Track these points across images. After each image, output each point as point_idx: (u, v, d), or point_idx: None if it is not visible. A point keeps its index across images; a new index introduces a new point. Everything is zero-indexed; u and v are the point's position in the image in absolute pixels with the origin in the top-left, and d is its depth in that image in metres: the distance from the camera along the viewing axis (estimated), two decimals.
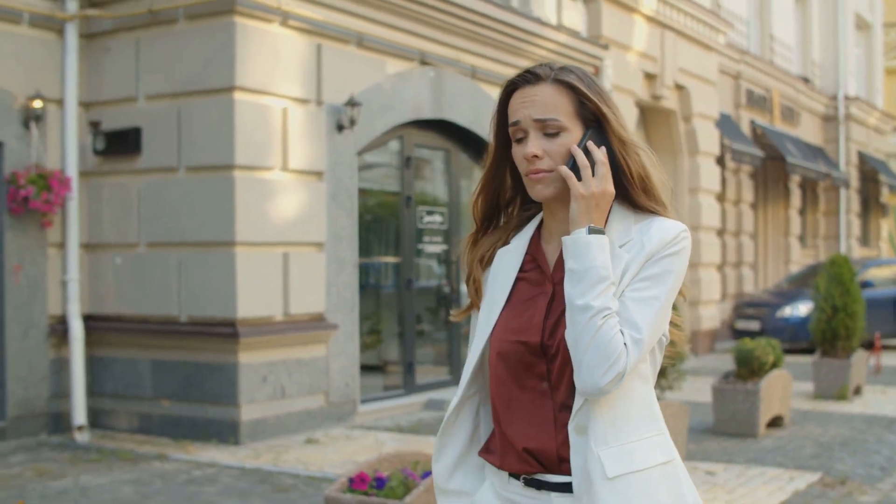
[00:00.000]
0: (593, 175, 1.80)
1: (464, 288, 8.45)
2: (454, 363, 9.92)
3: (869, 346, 13.05)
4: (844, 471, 6.73)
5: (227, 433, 7.38)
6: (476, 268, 1.97)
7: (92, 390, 7.88)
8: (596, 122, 1.85)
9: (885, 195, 24.84)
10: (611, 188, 1.81)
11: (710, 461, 6.97)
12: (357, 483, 4.09)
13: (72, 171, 7.74)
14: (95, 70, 7.94)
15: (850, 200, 22.47)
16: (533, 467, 1.85)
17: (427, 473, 4.15)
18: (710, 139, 15.11)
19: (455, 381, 9.81)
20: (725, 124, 16.18)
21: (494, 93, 10.01)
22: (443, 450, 1.99)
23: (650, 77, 13.54)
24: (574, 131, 1.83)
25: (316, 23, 7.94)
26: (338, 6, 8.13)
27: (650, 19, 13.38)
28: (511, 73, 8.20)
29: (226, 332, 7.30)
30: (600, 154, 1.81)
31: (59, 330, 7.76)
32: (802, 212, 21.09)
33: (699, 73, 14.80)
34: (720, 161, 15.93)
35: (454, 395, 1.96)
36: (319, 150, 8.02)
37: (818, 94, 21.39)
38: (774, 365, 8.28)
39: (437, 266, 9.94)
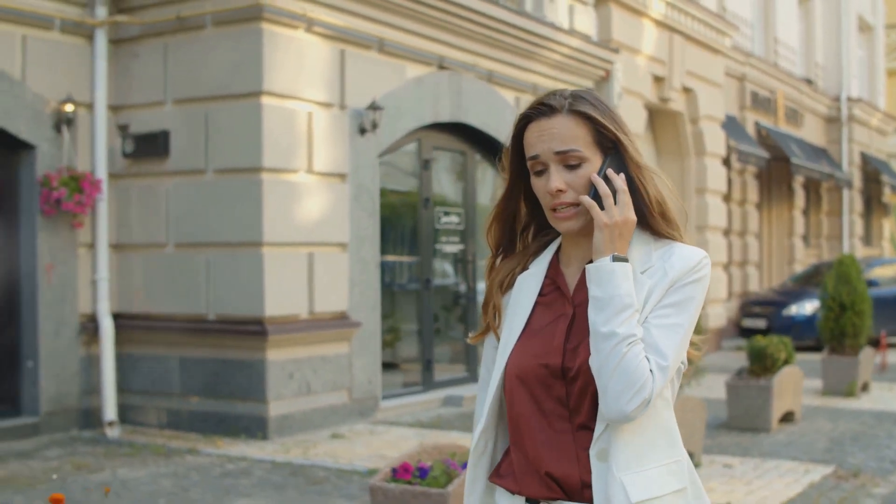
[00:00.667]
0: (615, 203, 1.81)
1: (480, 287, 8.67)
2: (470, 361, 10.12)
3: (875, 343, 13.25)
4: (857, 464, 6.93)
5: (255, 428, 7.57)
6: (496, 293, 1.98)
7: (121, 387, 8.08)
8: (613, 149, 1.86)
9: (888, 195, 25.05)
10: (633, 216, 1.82)
11: (726, 454, 7.17)
12: (401, 473, 4.28)
13: (101, 173, 7.94)
14: (124, 75, 8.14)
15: (852, 200, 22.68)
16: (555, 493, 1.84)
17: (466, 465, 4.34)
18: (716, 140, 15.31)
19: (472, 378, 10.01)
20: (731, 126, 16.39)
21: (510, 96, 10.24)
22: (475, 483, 1.97)
23: (658, 80, 13.74)
24: (594, 160, 1.84)
25: (339, 29, 8.14)
26: (360, 12, 8.32)
27: (659, 23, 13.58)
28: (525, 77, 8.49)
29: (254, 329, 7.50)
30: (620, 182, 1.83)
31: (90, 328, 7.96)
32: (806, 212, 21.28)
33: (706, 75, 15.01)
34: (726, 162, 16.13)
35: (477, 422, 1.95)
36: (343, 152, 8.22)
37: (821, 95, 21.60)
38: (786, 361, 8.48)
39: (454, 266, 10.14)
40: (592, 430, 1.81)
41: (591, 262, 1.85)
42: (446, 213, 9.87)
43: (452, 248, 10.01)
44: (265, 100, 7.54)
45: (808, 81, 20.98)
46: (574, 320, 1.87)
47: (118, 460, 6.90)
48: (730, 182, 16.70)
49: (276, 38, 7.61)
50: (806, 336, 14.66)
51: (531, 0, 10.92)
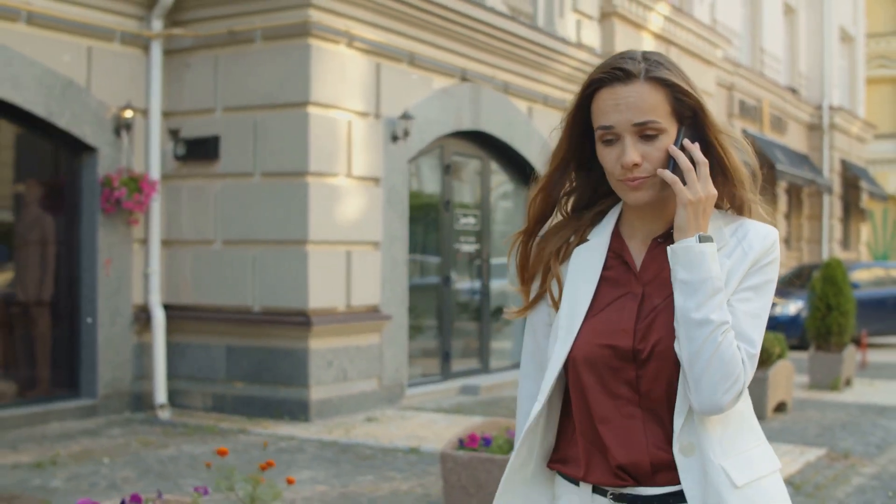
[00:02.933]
0: (697, 177, 1.70)
1: (494, 285, 9.35)
2: (483, 354, 10.84)
3: (856, 342, 14.09)
4: (846, 448, 7.70)
5: (297, 411, 8.25)
6: (554, 263, 1.85)
7: (169, 373, 8.72)
8: (690, 117, 1.75)
9: (865, 201, 26.00)
10: (714, 190, 1.71)
11: None
12: (468, 442, 4.98)
13: (155, 174, 8.58)
14: (177, 83, 8.77)
15: (832, 206, 23.59)
16: (625, 481, 1.76)
17: None
18: None
19: (485, 369, 10.73)
20: None
21: (523, 106, 10.96)
22: (527, 465, 1.87)
23: None
24: (671, 130, 1.73)
25: (376, 44, 8.82)
26: (394, 28, 9.01)
27: (657, 36, 14.35)
28: (538, 88, 9.32)
29: (298, 320, 8.16)
30: (699, 153, 1.72)
31: (142, 318, 8.60)
32: (788, 216, 22.16)
33: (699, 85, 15.74)
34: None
35: (536, 402, 1.83)
36: (377, 158, 8.91)
37: (804, 104, 22.48)
38: (780, 356, 9.24)
39: (470, 264, 10.84)
40: (663, 415, 1.74)
41: (660, 240, 1.79)
42: (464, 215, 10.57)
43: (469, 247, 10.72)
44: (311, 109, 8.21)
45: (793, 90, 21.85)
46: (643, 299, 1.78)
47: (178, 438, 7.56)
48: None
49: (321, 53, 8.28)
50: (790, 335, 15.47)
51: (543, 15, 11.64)
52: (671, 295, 1.74)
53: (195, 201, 8.75)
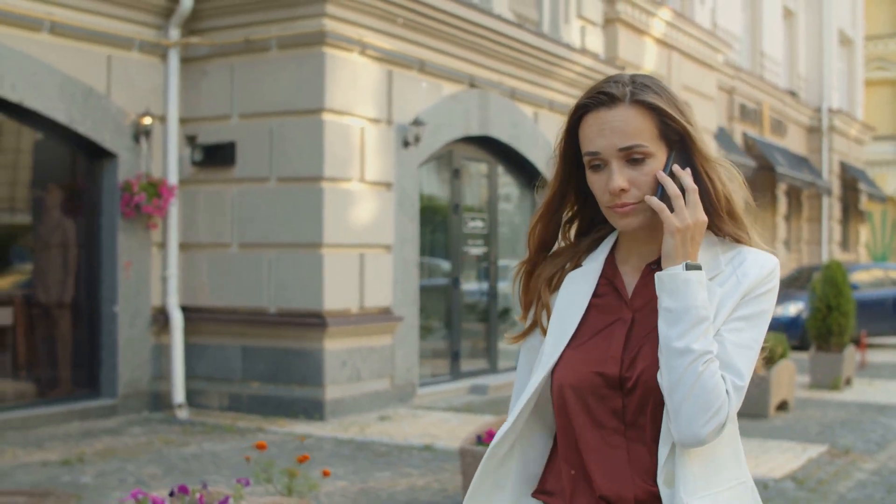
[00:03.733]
0: (685, 204, 1.66)
1: (501, 287, 9.59)
2: (491, 354, 11.06)
3: (855, 342, 14.31)
4: (847, 445, 7.92)
5: (312, 410, 8.46)
6: (544, 291, 1.84)
7: (187, 373, 8.93)
8: (678, 141, 1.71)
9: (864, 202, 26.24)
10: (704, 217, 1.67)
11: None
12: (487, 438, 5.20)
13: (173, 179, 8.79)
14: (193, 90, 8.99)
15: (831, 207, 23.83)
16: None
17: None
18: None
19: (493, 369, 10.95)
20: (721, 137, 17.43)
21: (529, 111, 11.19)
22: (484, 486, 1.82)
23: None
24: (659, 155, 1.69)
25: (387, 52, 9.04)
26: (405, 37, 9.23)
27: (659, 41, 14.58)
28: (543, 93, 9.61)
29: (313, 322, 8.38)
30: (689, 179, 1.68)
31: (160, 319, 8.82)
32: (788, 218, 22.39)
33: (700, 89, 16.03)
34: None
35: (505, 424, 1.80)
36: (389, 163, 9.13)
37: (804, 106, 22.72)
38: (782, 356, 9.47)
39: (478, 266, 11.07)
40: (648, 445, 1.70)
41: (653, 266, 1.75)
42: (472, 219, 10.80)
43: (477, 250, 10.94)
44: (326, 116, 8.43)
45: (792, 93, 22.09)
46: (633, 326, 1.74)
47: (198, 437, 7.77)
48: None
49: (335, 61, 8.50)
50: (791, 335, 15.68)
51: (548, 22, 11.87)
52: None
53: (212, 206, 8.97)
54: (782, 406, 9.55)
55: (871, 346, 16.39)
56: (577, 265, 1.84)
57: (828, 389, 11.18)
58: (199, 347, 8.98)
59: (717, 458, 1.70)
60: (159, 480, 6.17)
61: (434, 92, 9.74)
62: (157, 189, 8.47)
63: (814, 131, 23.48)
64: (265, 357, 8.72)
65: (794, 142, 22.38)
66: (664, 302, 1.65)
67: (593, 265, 1.81)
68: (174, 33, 8.80)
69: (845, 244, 25.49)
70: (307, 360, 8.50)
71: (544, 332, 1.82)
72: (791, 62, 22.69)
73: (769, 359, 9.29)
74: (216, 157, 8.88)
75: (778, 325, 16.07)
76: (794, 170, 20.39)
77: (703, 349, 1.61)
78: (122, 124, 8.54)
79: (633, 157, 1.68)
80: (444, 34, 9.67)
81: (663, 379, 1.64)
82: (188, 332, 8.91)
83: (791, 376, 9.69)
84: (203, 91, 8.98)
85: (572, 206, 1.85)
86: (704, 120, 16.13)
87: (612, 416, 1.72)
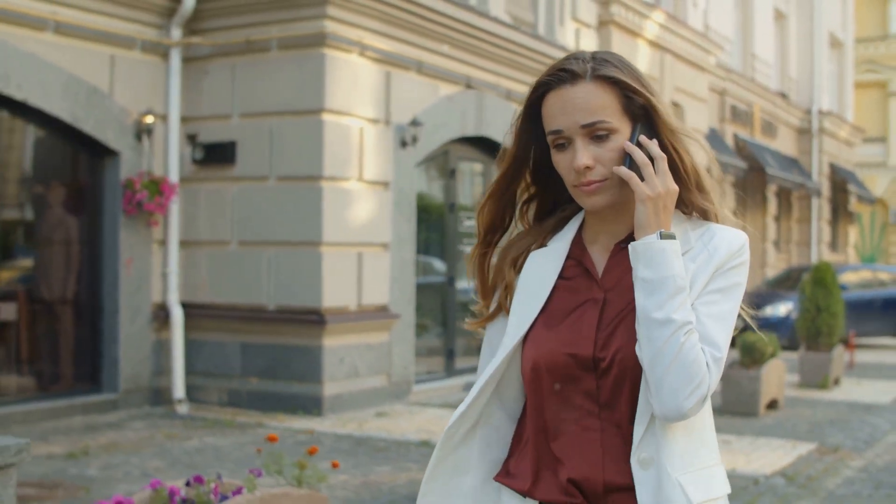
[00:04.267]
0: (655, 172, 1.63)
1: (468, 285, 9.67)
2: None
3: (844, 343, 14.49)
4: (836, 442, 8.09)
5: (310, 406, 8.59)
6: (509, 272, 1.78)
7: (186, 369, 9.04)
8: (643, 115, 1.67)
9: (853, 204, 26.47)
10: (674, 185, 1.63)
11: (723, 433, 8.29)
12: None
13: (174, 177, 8.91)
14: (194, 90, 9.10)
15: (821, 209, 24.05)
16: (574, 497, 1.68)
17: None
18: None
19: None
20: (713, 138, 17.61)
21: None
22: (455, 475, 1.78)
23: None
24: (623, 130, 1.66)
25: (386, 53, 9.17)
26: (403, 38, 9.36)
27: (652, 43, 14.74)
28: None
29: (312, 319, 8.51)
30: (657, 148, 1.64)
31: (161, 315, 8.93)
32: (778, 219, 22.59)
33: (692, 91, 16.20)
34: (707, 171, 17.32)
35: (462, 405, 1.77)
36: (386, 163, 9.26)
37: (794, 108, 22.92)
38: (772, 355, 9.63)
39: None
40: (623, 427, 1.66)
41: (623, 245, 1.72)
42: (468, 218, 10.93)
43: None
44: (325, 116, 8.56)
45: (783, 95, 22.29)
46: (605, 306, 1.70)
47: (199, 431, 7.89)
48: None
49: (335, 62, 8.62)
50: (780, 335, 15.86)
51: (543, 24, 12.01)
52: (633, 301, 1.65)
53: (212, 204, 9.08)
54: (772, 405, 9.71)
55: (859, 346, 16.59)
56: (542, 245, 1.79)
57: (817, 388, 11.36)
58: (199, 343, 9.10)
59: (701, 436, 1.68)
60: (164, 473, 6.29)
61: (431, 93, 9.87)
62: (158, 187, 8.58)
63: (804, 133, 23.69)
64: (264, 353, 8.84)
65: (785, 143, 22.59)
66: (640, 272, 1.61)
67: (559, 244, 1.77)
68: (176, 33, 8.91)
69: (834, 245, 25.72)
70: (306, 357, 8.62)
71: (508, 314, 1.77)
72: (782, 64, 22.89)
73: (758, 359, 9.46)
74: (217, 155, 8.99)
75: (768, 325, 16.28)
76: (784, 171, 20.59)
77: (684, 319, 1.58)
78: (124, 123, 8.65)
79: (597, 134, 1.64)
80: (442, 36, 9.81)
81: (642, 351, 1.60)
82: (188, 328, 9.03)
83: (781, 375, 9.86)
84: (204, 90, 9.09)
85: (529, 186, 1.80)
86: (696, 121, 16.30)
87: (585, 397, 1.68)
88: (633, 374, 1.64)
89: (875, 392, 11.36)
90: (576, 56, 1.69)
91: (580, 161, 1.64)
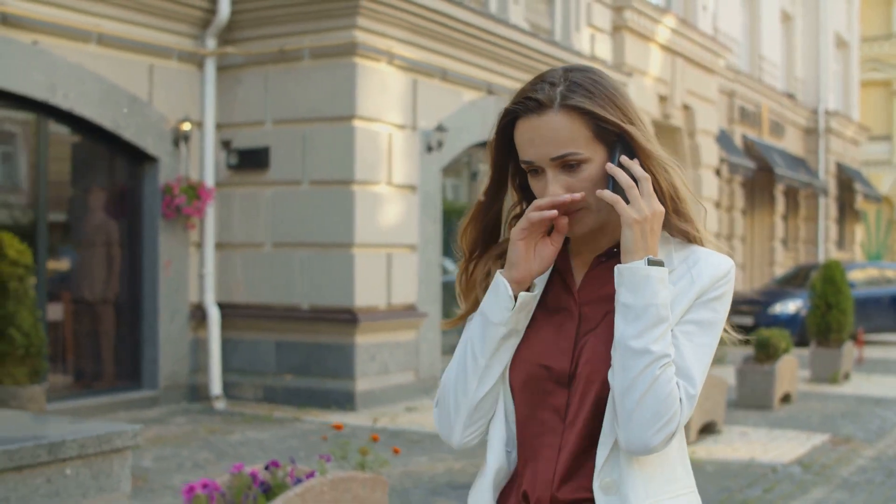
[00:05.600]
0: (640, 194, 1.57)
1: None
2: None
3: (852, 339, 14.83)
4: (848, 433, 8.44)
5: (343, 401, 8.95)
6: (494, 270, 1.73)
7: (222, 366, 9.40)
8: (619, 137, 1.61)
9: (860, 202, 26.80)
10: (660, 206, 1.58)
11: (740, 425, 8.66)
12: None
13: (209, 182, 9.27)
14: (229, 97, 9.46)
15: (828, 207, 24.38)
16: None
17: None
18: (710, 153, 16.86)
19: None
20: (723, 139, 17.95)
21: None
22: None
23: (662, 99, 15.25)
24: (596, 158, 1.60)
25: (413, 61, 9.52)
26: (429, 47, 9.71)
27: (664, 47, 15.08)
28: None
29: (345, 318, 8.87)
30: (640, 169, 1.59)
31: (198, 315, 9.29)
32: (785, 217, 22.92)
33: (702, 93, 16.54)
34: (717, 172, 17.70)
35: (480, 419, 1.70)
36: (413, 167, 9.61)
37: (801, 108, 23.24)
38: (785, 350, 9.98)
39: None
40: (584, 447, 1.61)
41: (602, 258, 1.68)
42: None
43: None
44: (356, 123, 8.91)
45: (790, 96, 22.61)
46: (581, 320, 1.66)
47: (239, 426, 8.25)
48: (720, 190, 18.27)
49: (365, 70, 8.98)
50: (790, 332, 16.19)
51: (560, 30, 12.36)
52: (606, 315, 1.62)
53: (246, 207, 9.44)
54: (786, 398, 10.06)
55: (867, 342, 16.92)
56: None
57: (827, 383, 11.70)
58: (235, 342, 9.46)
59: (667, 467, 1.63)
60: (214, 465, 6.65)
61: (455, 99, 10.22)
62: (196, 191, 8.94)
63: (811, 132, 24.01)
64: (298, 351, 9.20)
65: (792, 143, 22.91)
66: (622, 297, 1.56)
67: None
68: (211, 43, 9.26)
69: (841, 243, 26.04)
70: (339, 354, 8.98)
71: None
72: (789, 65, 23.21)
73: (772, 355, 9.80)
74: (251, 160, 9.35)
75: (778, 322, 16.62)
76: (791, 170, 20.92)
77: (662, 352, 1.53)
78: (163, 130, 9.01)
79: (567, 164, 1.60)
80: (465, 44, 10.16)
81: (615, 379, 1.55)
82: (224, 327, 9.39)
83: (794, 370, 10.21)
84: (238, 98, 9.45)
85: (519, 202, 1.75)
86: (707, 123, 16.65)
87: (552, 412, 1.64)
88: (598, 389, 1.59)
89: (884, 386, 11.70)
90: (547, 79, 1.62)
91: (552, 194, 1.60)
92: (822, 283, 12.08)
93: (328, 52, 9.01)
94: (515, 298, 1.63)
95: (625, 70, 13.61)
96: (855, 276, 18.07)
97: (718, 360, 8.37)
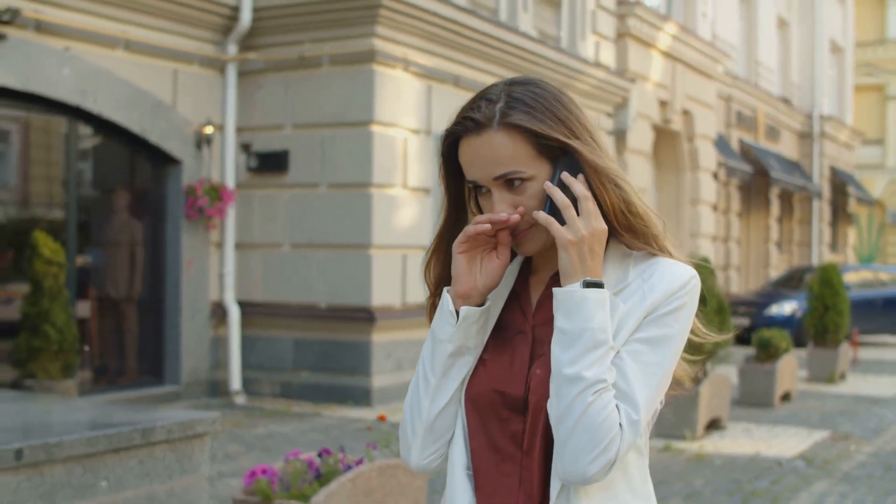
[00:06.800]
0: (578, 214, 1.52)
1: None
2: None
3: (847, 340, 15.19)
4: (847, 431, 8.78)
5: (360, 397, 9.25)
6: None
7: (242, 363, 9.68)
8: (564, 152, 1.55)
9: (853, 206, 27.19)
10: (601, 225, 1.52)
11: (743, 422, 8.98)
12: None
13: (230, 184, 9.55)
14: (249, 102, 9.75)
15: (821, 210, 24.76)
16: None
17: None
18: (708, 157, 17.20)
19: None
20: (720, 143, 18.30)
21: None
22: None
23: (663, 104, 15.58)
24: (541, 174, 1.55)
25: (427, 68, 9.83)
26: (442, 54, 10.02)
27: (665, 54, 15.41)
28: None
29: (362, 316, 9.16)
30: (580, 187, 1.53)
31: (218, 313, 9.58)
32: (780, 220, 23.29)
33: (701, 98, 16.88)
34: (714, 175, 18.05)
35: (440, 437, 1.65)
36: (427, 171, 9.92)
37: (796, 113, 23.62)
38: (786, 350, 10.32)
39: None
40: (540, 476, 1.56)
41: (557, 276, 1.57)
42: None
43: None
44: (374, 128, 9.21)
45: (785, 100, 22.98)
46: (535, 342, 1.60)
47: (262, 420, 8.54)
48: (717, 193, 18.62)
49: (383, 77, 9.28)
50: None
51: (566, 38, 12.67)
52: None
53: (266, 209, 9.73)
54: (786, 397, 10.39)
55: (861, 343, 17.29)
56: None
57: (824, 383, 12.05)
58: (253, 339, 9.75)
59: (619, 496, 1.55)
60: (245, 456, 6.94)
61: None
62: (218, 193, 9.23)
63: (805, 137, 24.39)
64: (315, 348, 9.50)
65: (787, 147, 23.29)
66: (558, 322, 1.50)
67: (506, 276, 1.66)
68: (232, 49, 9.55)
69: (834, 246, 26.44)
70: (356, 352, 9.28)
71: None
72: (784, 70, 23.57)
73: (773, 354, 10.13)
74: (270, 163, 9.64)
75: (774, 323, 16.97)
76: (786, 174, 21.29)
77: (596, 378, 1.46)
78: (186, 133, 9.30)
79: (511, 183, 1.55)
80: (477, 51, 10.46)
81: (551, 408, 1.49)
82: (244, 325, 9.67)
83: (793, 370, 10.55)
84: (258, 103, 9.74)
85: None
86: (705, 127, 16.99)
87: (509, 440, 1.58)
88: (547, 418, 1.53)
89: (879, 386, 12.05)
90: (487, 97, 1.59)
91: (490, 214, 1.55)
92: (820, 286, 12.42)
93: (347, 58, 9.30)
94: (459, 314, 1.58)
95: (628, 76, 13.94)
96: (849, 278, 18.42)
97: (722, 360, 8.68)
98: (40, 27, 8.05)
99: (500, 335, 1.63)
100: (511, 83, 1.60)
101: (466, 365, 1.61)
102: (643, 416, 1.48)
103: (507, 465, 1.57)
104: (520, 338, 1.61)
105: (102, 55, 8.55)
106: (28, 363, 7.59)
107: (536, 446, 1.55)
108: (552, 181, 1.54)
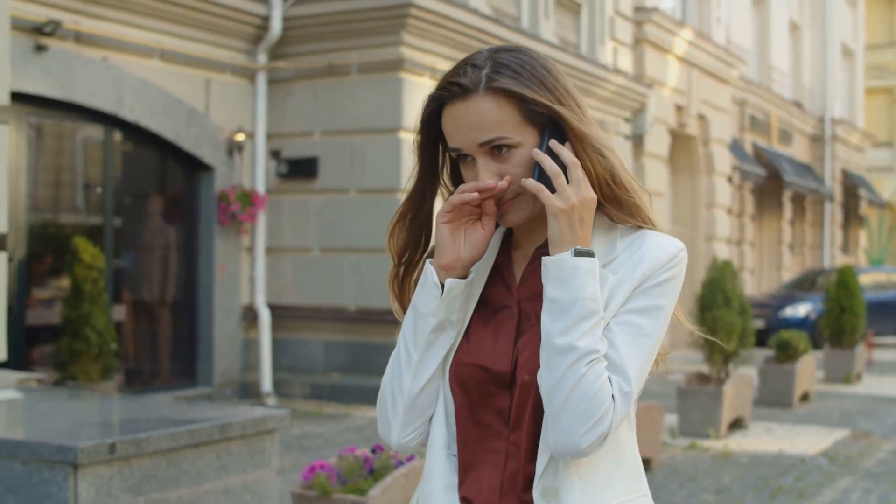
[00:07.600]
0: (568, 182, 1.48)
1: None
2: None
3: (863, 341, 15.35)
4: (866, 429, 8.96)
5: None
6: None
7: (272, 365, 9.90)
8: (552, 120, 1.52)
9: (864, 208, 27.35)
10: (591, 193, 1.49)
11: (765, 421, 9.17)
12: None
13: (260, 189, 9.78)
14: (279, 109, 9.97)
15: (833, 213, 24.93)
16: None
17: None
18: (723, 161, 17.39)
19: None
20: (734, 147, 18.48)
21: None
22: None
23: (679, 109, 15.78)
24: (528, 141, 1.51)
25: None
26: None
27: (681, 59, 15.61)
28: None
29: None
30: (569, 154, 1.50)
31: (250, 316, 9.80)
32: (792, 223, 23.45)
33: (716, 103, 17.07)
34: (729, 179, 18.23)
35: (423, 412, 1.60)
36: None
37: (808, 116, 23.79)
38: (805, 351, 10.50)
39: None
40: (526, 452, 1.53)
41: (542, 249, 1.56)
42: None
43: None
44: (403, 134, 9.43)
45: (798, 104, 23.16)
46: (521, 317, 1.57)
47: (295, 421, 8.74)
48: (731, 197, 18.80)
49: (410, 85, 9.50)
50: None
51: (586, 44, 12.88)
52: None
53: (296, 214, 9.95)
54: (804, 397, 10.58)
55: (875, 345, 17.46)
56: None
57: (841, 383, 12.22)
58: (284, 342, 9.97)
59: (609, 471, 1.53)
60: (285, 455, 7.14)
61: None
62: (250, 199, 9.45)
63: (817, 140, 24.55)
64: (345, 350, 9.71)
65: (799, 150, 23.46)
66: (548, 291, 1.47)
67: (487, 251, 1.61)
68: (263, 58, 9.77)
69: (846, 248, 26.59)
70: (385, 353, 9.40)
71: None
72: (796, 74, 23.74)
73: (792, 355, 10.31)
74: (300, 169, 9.87)
75: (789, 325, 17.14)
76: (799, 177, 21.47)
77: (589, 348, 1.43)
78: (218, 140, 9.52)
79: (497, 150, 1.51)
80: None
81: (542, 380, 1.46)
82: (274, 327, 9.89)
83: (812, 371, 10.73)
84: (288, 110, 9.96)
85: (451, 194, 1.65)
86: (720, 132, 17.18)
87: (495, 416, 1.55)
88: (537, 393, 1.50)
89: (895, 387, 12.22)
90: (472, 62, 1.54)
91: (483, 181, 1.52)
92: (837, 288, 12.60)
93: (376, 67, 9.52)
94: (443, 286, 1.54)
95: (645, 82, 14.13)
96: (863, 280, 18.55)
97: (744, 361, 8.86)
98: (80, 38, 8.28)
99: (484, 310, 1.59)
100: (497, 50, 1.55)
101: (450, 339, 1.57)
102: (635, 388, 1.47)
103: (493, 442, 1.55)
104: (505, 313, 1.57)
105: (138, 64, 8.78)
106: (69, 366, 7.80)
107: (524, 422, 1.52)
108: (540, 148, 1.51)
